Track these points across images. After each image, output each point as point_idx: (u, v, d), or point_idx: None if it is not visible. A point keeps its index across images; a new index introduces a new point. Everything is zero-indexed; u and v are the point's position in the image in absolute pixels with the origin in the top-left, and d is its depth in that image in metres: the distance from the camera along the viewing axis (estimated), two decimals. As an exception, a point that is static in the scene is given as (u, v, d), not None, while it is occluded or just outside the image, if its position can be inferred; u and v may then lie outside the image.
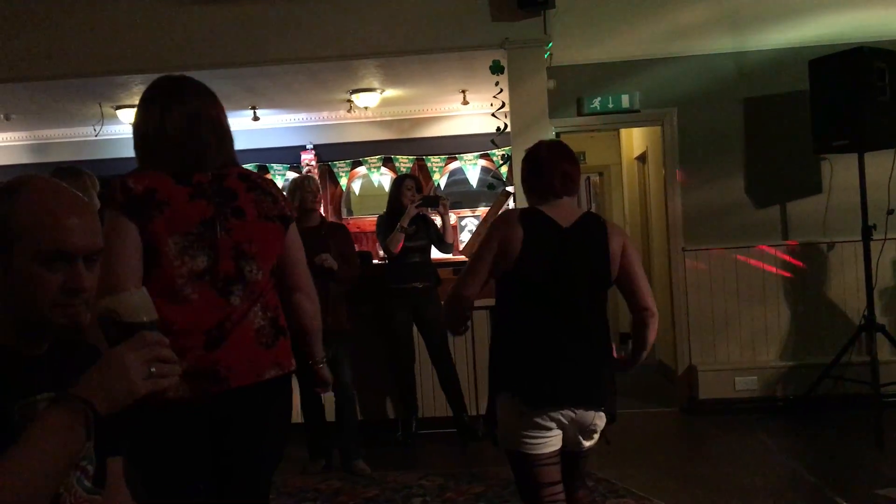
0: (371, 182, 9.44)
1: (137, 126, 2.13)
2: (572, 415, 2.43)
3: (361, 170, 9.30)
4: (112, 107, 7.68)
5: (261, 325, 2.09)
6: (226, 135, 2.15)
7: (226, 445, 2.09)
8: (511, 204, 7.45)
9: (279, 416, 2.21)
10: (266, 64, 5.83)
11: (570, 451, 2.52)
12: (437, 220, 5.34)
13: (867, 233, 4.91)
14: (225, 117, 2.17)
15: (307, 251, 4.67)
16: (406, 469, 4.60)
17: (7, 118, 8.19)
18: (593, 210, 9.34)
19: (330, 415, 4.68)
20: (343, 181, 9.23)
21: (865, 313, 4.96)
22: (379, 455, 4.91)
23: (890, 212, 5.10)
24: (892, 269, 5.59)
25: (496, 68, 5.41)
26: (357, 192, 9.59)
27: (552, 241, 2.49)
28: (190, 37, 5.46)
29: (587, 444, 2.53)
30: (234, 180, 2.11)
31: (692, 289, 5.75)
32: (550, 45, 5.36)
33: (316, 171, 9.08)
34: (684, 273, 5.76)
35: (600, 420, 2.49)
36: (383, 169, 9.23)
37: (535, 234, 2.48)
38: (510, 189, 6.52)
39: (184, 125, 2.06)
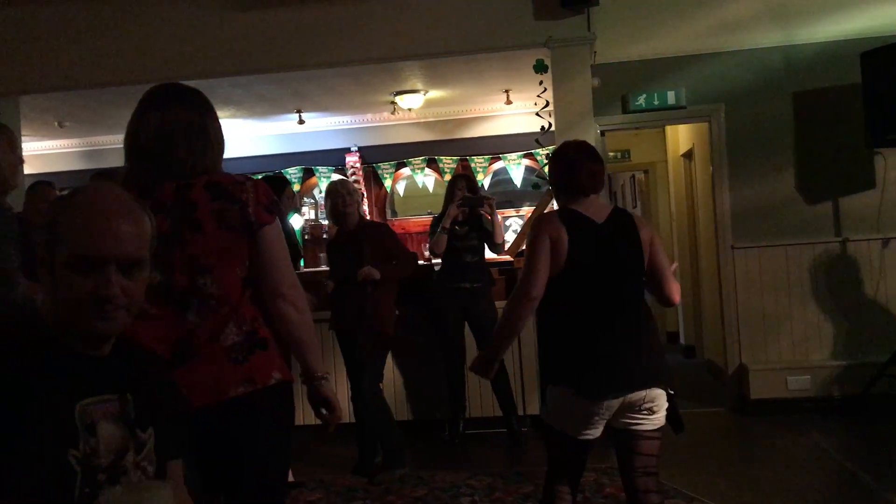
0: (415, 183, 9.49)
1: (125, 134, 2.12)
2: (625, 398, 2.53)
3: (405, 171, 9.36)
4: (162, 112, 7.84)
5: (234, 341, 2.01)
6: (206, 142, 2.06)
7: (216, 463, 2.02)
8: (555, 203, 7.45)
9: (259, 431, 2.02)
10: (311, 68, 5.90)
11: (624, 430, 2.60)
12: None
13: (924, 228, 4.78)
14: (213, 125, 2.09)
15: (344, 258, 4.67)
16: (454, 469, 4.61)
17: (60, 125, 8.42)
18: (638, 208, 9.26)
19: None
20: (387, 183, 9.29)
21: (922, 311, 4.84)
22: (427, 455, 4.94)
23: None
24: (951, 265, 5.44)
25: (540, 67, 5.40)
26: (401, 194, 9.67)
27: (592, 238, 2.63)
28: (236, 43, 5.55)
29: (645, 423, 2.58)
30: (198, 191, 2.02)
31: (742, 287, 5.66)
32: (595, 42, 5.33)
33: (360, 173, 9.16)
34: (734, 271, 5.67)
35: (659, 397, 2.57)
36: (427, 170, 9.27)
37: (577, 233, 2.61)
38: (555, 188, 6.52)
39: (154, 132, 2.02)
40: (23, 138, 6.20)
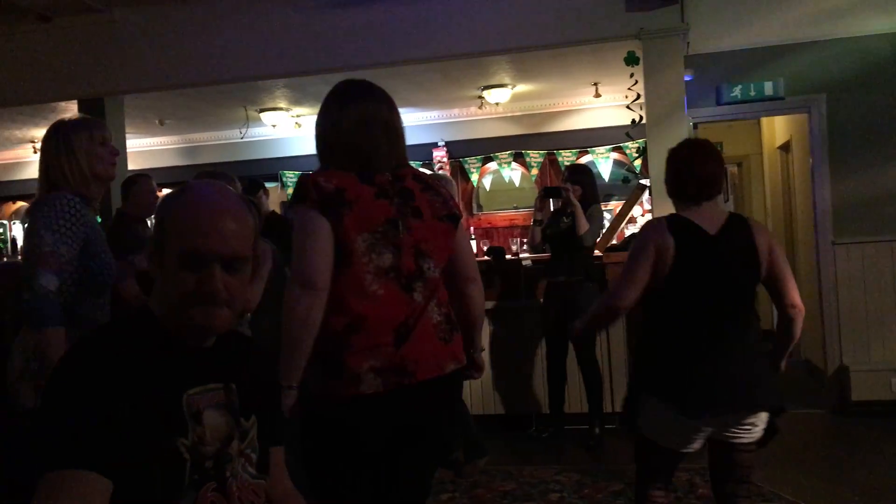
0: (501, 178, 9.47)
1: (317, 127, 2.22)
2: (731, 418, 2.45)
3: (492, 165, 9.35)
4: (256, 110, 8.08)
5: (438, 320, 2.16)
6: (398, 136, 2.20)
7: (407, 438, 2.16)
8: (646, 197, 7.31)
9: (454, 406, 2.32)
10: (400, 64, 5.95)
11: (721, 441, 2.51)
12: None
13: None
14: (398, 119, 2.22)
15: None
16: (542, 464, 4.59)
17: (161, 123, 8.75)
18: (730, 203, 9.00)
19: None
20: (474, 177, 9.30)
21: None
22: (516, 449, 4.94)
23: None
24: None
25: (631, 59, 5.30)
26: (487, 188, 9.65)
27: (703, 250, 2.49)
28: (326, 40, 5.64)
29: (744, 437, 2.49)
30: (410, 181, 2.17)
31: (843, 284, 5.44)
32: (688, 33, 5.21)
33: (447, 167, 9.19)
34: (834, 268, 5.46)
35: (762, 416, 2.48)
36: (514, 164, 9.24)
37: (685, 244, 2.48)
38: (645, 182, 6.39)
39: (355, 126, 2.13)
40: (126, 135, 6.45)
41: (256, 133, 8.99)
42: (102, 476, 1.23)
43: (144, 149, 9.67)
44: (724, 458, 2.56)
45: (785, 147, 7.08)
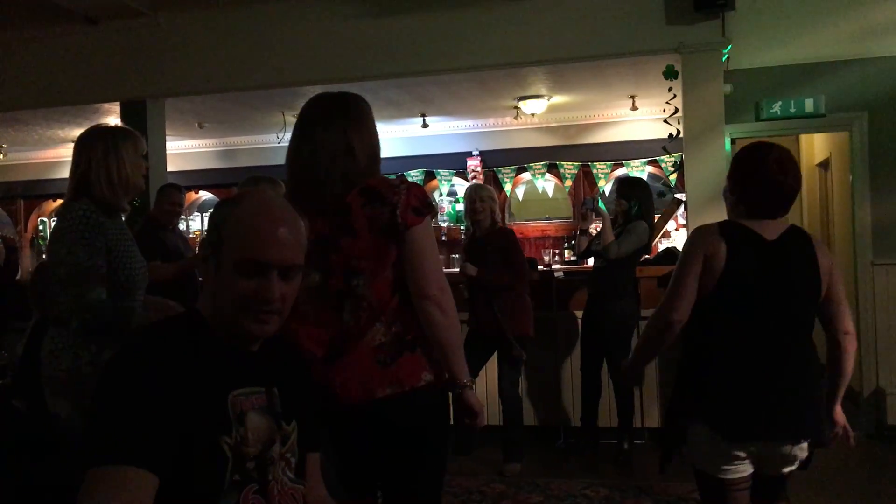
0: (535, 188, 9.46)
1: None
2: (772, 446, 2.27)
3: (525, 175, 9.35)
4: (293, 115, 8.15)
5: (381, 342, 2.06)
6: (355, 156, 2.11)
7: (349, 461, 2.13)
8: (681, 212, 7.25)
9: (407, 432, 2.08)
10: (437, 73, 6.00)
11: (765, 475, 2.36)
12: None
13: None
14: (361, 136, 2.14)
15: (472, 261, 4.82)
16: (571, 477, 4.56)
17: (200, 126, 8.88)
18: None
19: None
20: (507, 187, 9.30)
21: None
22: (543, 461, 4.92)
23: None
24: None
25: (670, 73, 5.27)
26: (521, 198, 9.64)
27: (758, 256, 2.27)
28: (364, 48, 5.69)
29: (786, 469, 2.35)
30: (353, 195, 2.08)
31: (881, 306, 5.35)
32: (729, 48, 5.17)
33: (481, 176, 9.21)
34: (873, 288, 5.37)
35: (801, 451, 2.30)
36: (548, 175, 9.23)
37: (739, 249, 2.27)
38: (681, 197, 6.33)
39: (308, 154, 2.13)
40: (167, 137, 6.55)
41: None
42: (149, 472, 1.25)
43: (183, 151, 9.81)
44: (766, 492, 2.41)
45: (824, 164, 6.99)
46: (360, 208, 2.05)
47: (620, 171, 8.93)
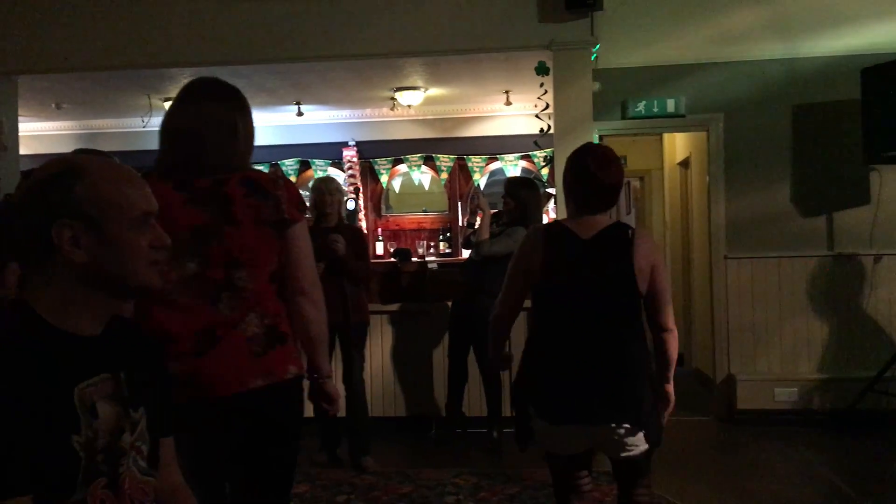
0: (411, 180, 9.48)
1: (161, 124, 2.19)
2: (593, 429, 2.44)
3: (402, 167, 9.35)
4: (160, 98, 7.81)
5: (255, 333, 2.06)
6: (236, 142, 2.11)
7: (223, 452, 2.11)
8: (552, 206, 7.45)
9: (274, 423, 2.11)
10: (312, 60, 5.88)
11: (616, 460, 2.51)
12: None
13: (916, 246, 4.80)
14: (245, 121, 2.15)
15: (318, 247, 4.77)
16: (440, 466, 4.60)
17: (58, 107, 8.37)
18: (632, 215, 9.27)
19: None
20: (383, 178, 9.28)
21: (912, 328, 4.86)
22: (414, 452, 4.94)
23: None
24: (941, 283, 5.47)
25: (541, 69, 5.39)
26: (397, 190, 9.64)
27: (570, 255, 2.46)
28: (238, 32, 5.51)
29: (624, 454, 2.45)
30: (234, 186, 2.07)
31: (733, 297, 5.67)
32: (598, 47, 5.33)
33: (357, 167, 9.14)
34: (726, 281, 5.69)
35: (631, 438, 2.41)
36: (424, 167, 9.27)
37: (554, 248, 2.47)
38: (551, 191, 6.50)
39: (187, 129, 2.09)
40: (20, 119, 6.14)
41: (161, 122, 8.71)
42: (22, 497, 1.18)
43: (39, 133, 9.22)
44: (622, 473, 2.57)
45: (684, 163, 7.34)
46: (243, 198, 2.06)
47: (495, 166, 9.08)
